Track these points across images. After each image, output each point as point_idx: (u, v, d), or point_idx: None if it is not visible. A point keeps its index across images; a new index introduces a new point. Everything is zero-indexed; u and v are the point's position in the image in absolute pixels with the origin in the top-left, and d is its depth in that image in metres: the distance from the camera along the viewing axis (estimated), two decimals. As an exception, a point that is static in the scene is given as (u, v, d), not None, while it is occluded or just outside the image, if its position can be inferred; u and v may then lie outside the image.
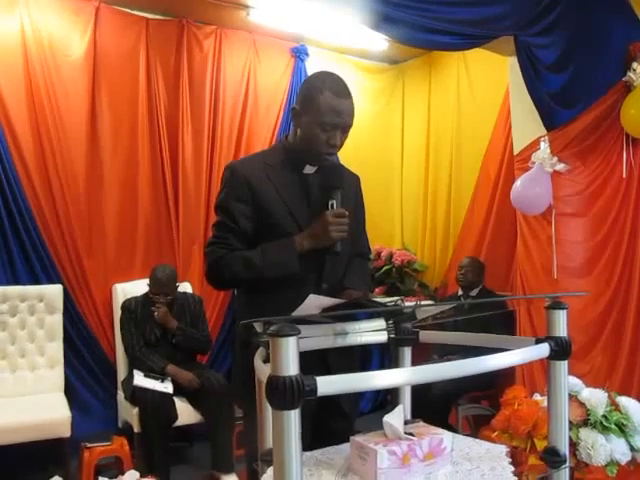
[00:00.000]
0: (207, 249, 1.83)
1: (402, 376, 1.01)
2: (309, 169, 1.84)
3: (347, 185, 1.90)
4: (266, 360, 1.08)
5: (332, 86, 1.74)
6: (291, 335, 0.84)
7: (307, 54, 4.62)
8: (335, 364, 1.71)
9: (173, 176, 4.09)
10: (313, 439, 1.42)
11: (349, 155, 3.52)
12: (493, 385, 3.57)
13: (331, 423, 1.79)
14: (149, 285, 3.55)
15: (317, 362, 1.62)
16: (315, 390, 0.83)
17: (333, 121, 1.73)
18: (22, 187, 3.57)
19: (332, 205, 1.75)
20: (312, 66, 4.53)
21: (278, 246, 1.75)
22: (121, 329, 3.61)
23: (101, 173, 3.86)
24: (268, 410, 1.14)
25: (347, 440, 1.25)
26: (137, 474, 2.14)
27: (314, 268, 1.78)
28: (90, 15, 3.78)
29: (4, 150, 3.50)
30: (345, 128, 1.77)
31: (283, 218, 1.78)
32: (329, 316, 1.37)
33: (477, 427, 3.49)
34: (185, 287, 3.91)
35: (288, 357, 0.83)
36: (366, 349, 1.49)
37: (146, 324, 3.53)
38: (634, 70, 3.13)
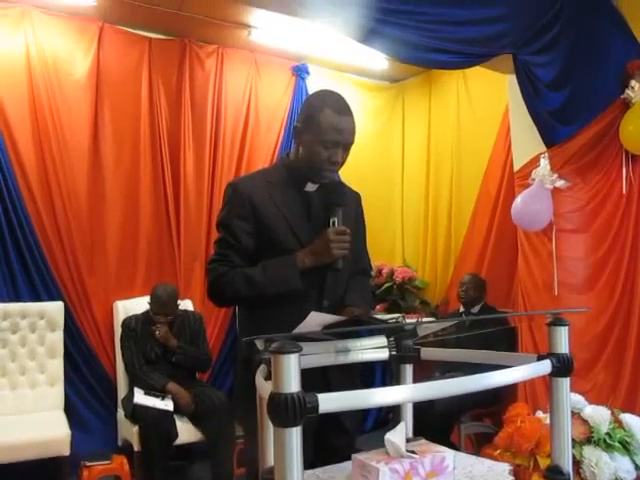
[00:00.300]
0: (209, 266, 1.84)
1: (404, 393, 1.01)
2: (310, 187, 1.85)
3: (348, 203, 1.90)
4: (267, 377, 1.08)
5: (333, 104, 1.76)
6: (293, 352, 0.84)
7: (308, 72, 4.66)
8: (336, 381, 1.70)
9: (174, 193, 4.11)
10: (314, 457, 1.41)
11: (350, 172, 3.52)
12: (495, 403, 3.55)
13: (333, 440, 1.78)
14: (150, 304, 3.55)
15: (318, 378, 1.62)
16: (317, 407, 0.83)
17: (334, 139, 1.74)
18: (24, 203, 3.59)
19: (333, 222, 1.76)
20: (313, 84, 4.57)
21: (279, 263, 1.75)
22: (121, 347, 3.60)
23: (103, 190, 3.88)
24: (269, 427, 1.13)
25: (349, 458, 1.25)
26: (137, 493, 2.13)
27: (315, 285, 1.79)
28: (94, 34, 3.83)
29: (7, 167, 3.53)
30: (346, 146, 1.79)
31: (284, 235, 1.79)
32: (330, 333, 1.37)
33: (479, 445, 3.46)
34: (186, 304, 3.91)
35: (290, 374, 0.83)
36: (369, 365, 1.48)
37: (146, 342, 3.52)
38: (632, 87, 3.16)
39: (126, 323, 3.59)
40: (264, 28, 4.08)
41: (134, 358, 3.51)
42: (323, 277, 1.80)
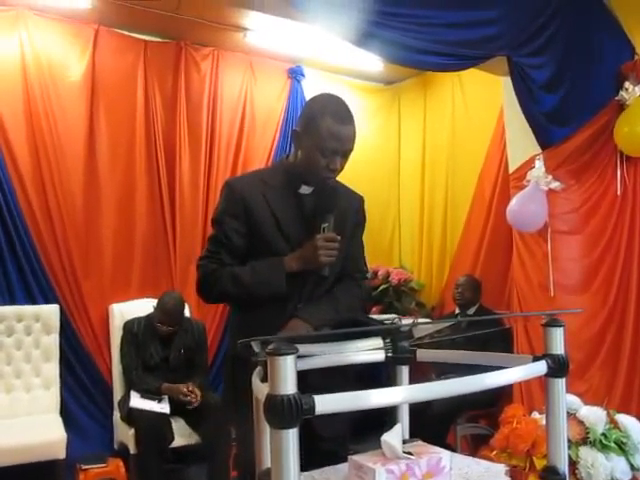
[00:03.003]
0: (199, 262, 1.86)
1: (400, 394, 1.01)
2: (305, 189, 1.86)
3: (346, 207, 1.90)
4: (264, 379, 1.08)
5: (334, 111, 1.75)
6: (289, 354, 0.84)
7: (303, 75, 4.67)
8: (329, 383, 1.70)
9: (170, 196, 4.11)
10: (306, 460, 1.41)
11: (346, 175, 3.52)
12: (491, 404, 3.55)
13: (323, 443, 1.77)
14: (155, 312, 3.52)
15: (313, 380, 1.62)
16: (313, 408, 0.83)
17: (333, 147, 1.74)
18: (20, 206, 3.57)
19: (324, 229, 1.76)
20: (309, 87, 4.58)
21: (267, 265, 1.77)
22: (121, 350, 3.58)
23: (98, 193, 3.88)
24: (266, 429, 1.14)
25: (340, 460, 1.25)
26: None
27: (296, 287, 1.79)
28: (89, 37, 3.82)
29: (2, 170, 3.52)
30: (346, 153, 1.79)
31: (274, 236, 1.80)
32: (326, 335, 1.37)
33: (476, 447, 3.47)
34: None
35: (286, 376, 0.83)
36: (377, 366, 1.47)
37: (147, 348, 3.50)
38: (626, 89, 3.17)
39: (128, 327, 3.57)
40: (260, 31, 4.08)
41: (132, 362, 3.49)
42: (304, 281, 1.80)
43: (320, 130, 1.72)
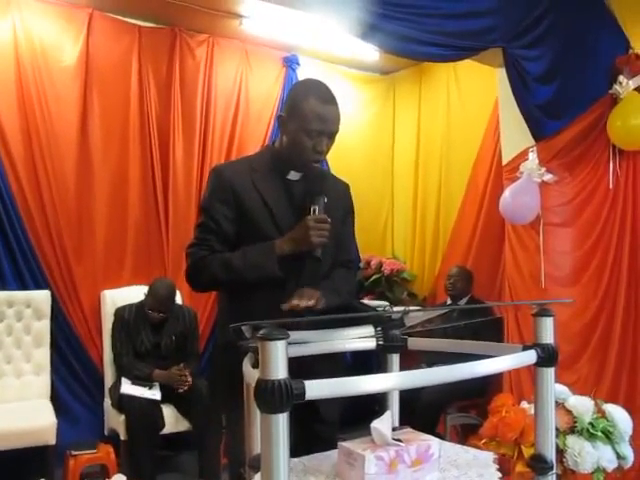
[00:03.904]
0: (188, 250, 1.84)
1: (390, 381, 1.02)
2: (294, 175, 1.86)
3: (334, 193, 1.91)
4: (255, 365, 1.08)
5: (317, 93, 1.77)
6: (280, 339, 0.84)
7: (298, 63, 4.64)
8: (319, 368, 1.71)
9: (163, 183, 4.09)
10: (296, 446, 1.42)
11: (340, 164, 3.55)
12: (481, 394, 3.58)
13: (314, 429, 1.78)
14: (146, 298, 3.51)
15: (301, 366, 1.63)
16: (303, 394, 0.84)
17: (319, 128, 1.74)
18: (11, 192, 3.55)
19: (314, 210, 1.77)
20: (304, 75, 4.54)
21: (259, 249, 1.76)
22: (112, 337, 3.58)
23: (91, 179, 3.85)
24: (256, 415, 1.14)
25: (330, 446, 1.25)
26: (124, 477, 2.13)
27: (293, 273, 1.79)
28: (83, 22, 3.78)
29: (-6, 155, 3.49)
30: (331, 135, 1.79)
31: (264, 222, 1.80)
32: (317, 321, 1.37)
33: (465, 436, 3.50)
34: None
35: (277, 360, 0.84)
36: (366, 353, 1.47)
37: (138, 335, 3.50)
38: (620, 83, 3.18)
39: (119, 313, 3.56)
40: (255, 18, 4.05)
41: (122, 349, 3.49)
42: (301, 266, 1.80)
43: (305, 112, 1.73)
